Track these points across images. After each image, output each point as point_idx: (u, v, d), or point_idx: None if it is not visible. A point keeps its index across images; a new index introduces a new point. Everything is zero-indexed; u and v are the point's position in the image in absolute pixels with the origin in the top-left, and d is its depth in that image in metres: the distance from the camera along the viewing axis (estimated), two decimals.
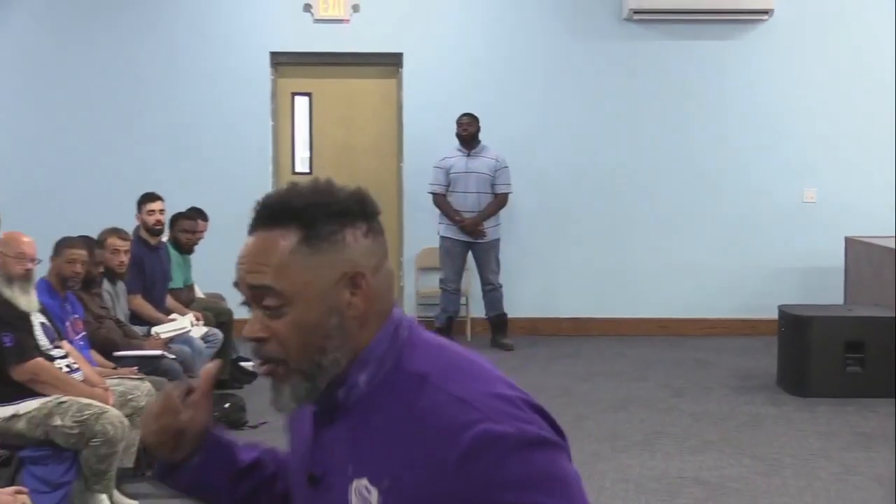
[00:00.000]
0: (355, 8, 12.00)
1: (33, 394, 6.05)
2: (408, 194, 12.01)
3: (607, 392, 9.44)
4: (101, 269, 7.69)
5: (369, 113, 12.50)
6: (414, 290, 12.01)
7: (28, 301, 6.20)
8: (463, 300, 11.70)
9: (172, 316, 8.66)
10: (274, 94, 12.26)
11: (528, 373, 10.21)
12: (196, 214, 9.80)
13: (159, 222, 9.04)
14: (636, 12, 11.86)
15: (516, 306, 11.61)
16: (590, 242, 12.11)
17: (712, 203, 12.14)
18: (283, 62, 12.27)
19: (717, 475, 7.06)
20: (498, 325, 11.45)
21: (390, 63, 12.24)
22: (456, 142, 11.30)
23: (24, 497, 4.43)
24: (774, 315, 9.95)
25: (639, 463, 7.33)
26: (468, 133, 11.27)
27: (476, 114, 11.39)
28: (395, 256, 12.30)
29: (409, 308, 12.00)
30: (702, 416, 8.59)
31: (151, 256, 8.86)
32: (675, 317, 12.05)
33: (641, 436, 8.02)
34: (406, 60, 12.11)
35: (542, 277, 12.09)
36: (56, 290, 6.84)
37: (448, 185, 11.25)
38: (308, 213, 2.07)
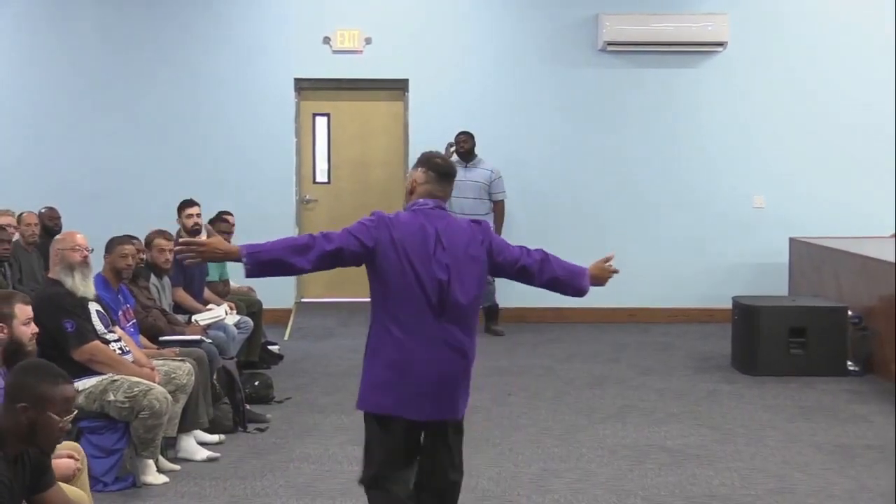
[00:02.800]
0: (368, 41, 12.01)
1: (91, 372, 6.06)
2: None
3: (585, 371, 9.43)
4: (143, 264, 7.66)
5: (380, 131, 12.49)
6: None
7: (86, 288, 6.20)
8: None
9: (210, 306, 8.66)
10: (297, 115, 12.26)
11: (516, 355, 10.21)
12: (225, 215, 9.77)
13: (196, 225, 9.01)
14: (610, 44, 11.87)
15: (507, 298, 11.59)
16: (569, 242, 12.02)
17: (676, 208, 12.14)
18: (305, 87, 12.26)
19: (679, 443, 7.06)
20: (490, 315, 11.44)
21: (398, 87, 12.24)
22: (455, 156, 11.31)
23: (71, 462, 4.41)
24: (729, 305, 9.95)
25: (612, 433, 7.33)
26: (464, 149, 11.27)
27: (472, 130, 11.38)
28: None
29: None
30: (666, 392, 8.59)
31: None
32: (643, 306, 12.04)
33: (614, 409, 8.02)
34: (411, 85, 12.12)
35: None
36: (110, 283, 6.85)
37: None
38: None
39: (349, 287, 12.35)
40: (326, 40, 12.02)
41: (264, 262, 4.31)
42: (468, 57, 12.11)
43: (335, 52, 12.04)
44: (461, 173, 11.03)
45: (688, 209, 12.14)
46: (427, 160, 4.67)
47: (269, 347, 9.83)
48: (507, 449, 6.90)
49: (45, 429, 3.70)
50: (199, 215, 9.04)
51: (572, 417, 7.75)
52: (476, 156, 11.35)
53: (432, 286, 4.37)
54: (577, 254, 11.87)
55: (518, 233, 11.95)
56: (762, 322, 9.27)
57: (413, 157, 11.95)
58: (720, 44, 11.96)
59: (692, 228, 12.14)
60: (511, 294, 11.76)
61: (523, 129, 12.11)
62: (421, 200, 4.56)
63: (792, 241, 11.62)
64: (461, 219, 4.66)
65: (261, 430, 7.34)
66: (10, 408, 3.69)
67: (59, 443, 3.90)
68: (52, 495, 3.92)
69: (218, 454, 6.69)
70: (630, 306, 12.00)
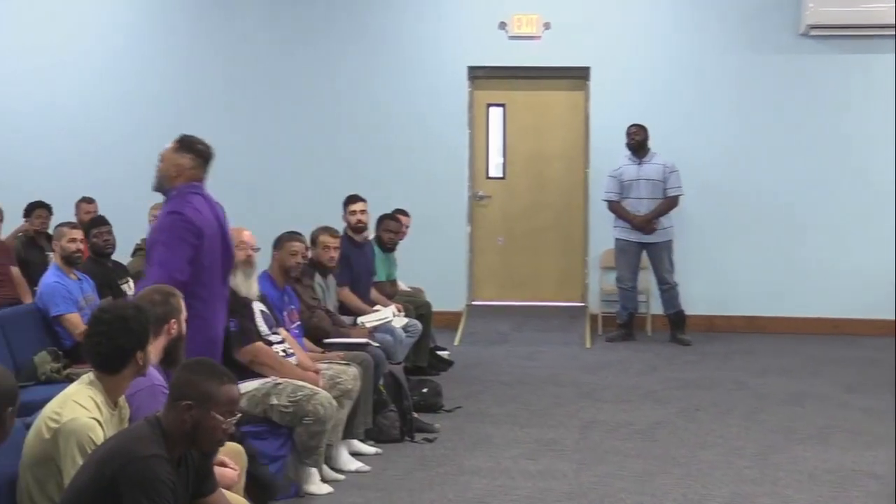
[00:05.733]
0: (546, 26, 11.96)
1: (253, 374, 6.19)
2: (593, 198, 11.89)
3: (781, 387, 9.15)
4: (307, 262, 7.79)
5: (558, 122, 12.43)
6: (598, 287, 11.90)
7: (249, 288, 6.33)
8: (644, 298, 11.55)
9: (376, 307, 8.74)
10: (471, 105, 12.30)
11: (704, 367, 10.01)
12: (400, 214, 9.88)
13: (360, 222, 9.09)
14: (813, 27, 11.49)
15: (694, 304, 11.38)
16: (760, 245, 11.82)
17: (883, 209, 11.66)
18: (479, 76, 12.30)
19: (889, 470, 6.76)
20: (676, 322, 11.25)
21: (578, 76, 12.16)
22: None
23: (232, 472, 4.49)
24: None
25: (812, 455, 7.07)
26: (635, 141, 11.13)
27: (657, 123, 11.23)
28: (580, 256, 12.23)
29: (592, 304, 11.91)
30: (874, 412, 8.24)
31: (357, 253, 8.95)
32: (847, 317, 11.62)
33: (815, 429, 7.74)
34: (593, 74, 12.01)
35: (717, 277, 11.83)
36: (276, 282, 6.99)
37: (621, 193, 11.14)
38: None
39: (524, 290, 12.38)
40: (502, 25, 12.03)
41: None
42: (654, 42, 11.94)
43: (511, 38, 12.04)
44: (632, 171, 10.94)
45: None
46: (191, 145, 5.26)
47: (439, 353, 9.88)
48: (695, 469, 6.74)
49: (207, 429, 3.79)
50: (363, 212, 9.13)
51: (767, 437, 7.53)
52: (649, 150, 11.18)
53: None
54: (768, 259, 11.75)
55: (701, 235, 11.74)
56: None
57: (595, 150, 12.02)
58: None
59: None
60: (698, 301, 11.58)
61: (712, 120, 11.86)
62: (197, 183, 5.23)
63: None
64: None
65: (429, 441, 7.37)
66: (174, 405, 3.80)
67: (221, 445, 3.98)
68: (213, 501, 4.01)
69: (369, 468, 6.73)
70: (833, 316, 11.60)
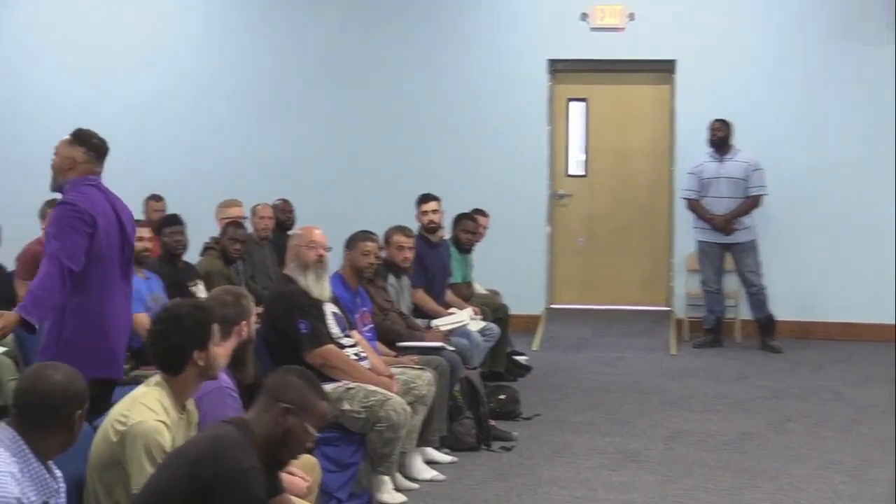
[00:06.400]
0: (631, 17, 11.86)
1: (324, 379, 6.17)
2: (679, 197, 11.76)
3: (881, 398, 8.96)
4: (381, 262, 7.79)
5: (642, 118, 12.33)
6: (683, 290, 11.78)
7: (321, 289, 6.35)
8: (732, 302, 11.41)
9: (451, 310, 8.72)
10: (550, 100, 12.24)
11: (797, 375, 9.86)
12: (477, 213, 9.86)
13: (432, 222, 9.07)
14: None
15: (785, 310, 11.22)
16: (854, 246, 11.59)
17: None
18: (560, 69, 12.23)
19: None
20: (766, 328, 11.09)
21: (663, 69, 12.04)
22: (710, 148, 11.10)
23: (301, 482, 4.50)
24: None
25: None
26: (717, 137, 11.01)
27: (747, 119, 11.09)
28: (665, 258, 12.11)
29: (678, 308, 11.80)
30: None
31: (432, 253, 8.94)
32: None
33: None
34: (679, 67, 11.89)
35: (809, 280, 11.64)
36: (349, 283, 6.99)
37: (700, 191, 11.01)
38: None
39: (605, 292, 12.31)
40: (584, 17, 11.96)
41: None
42: (746, 34, 11.78)
43: (593, 29, 11.96)
44: (713, 168, 10.85)
45: None
46: (85, 139, 5.33)
47: (517, 358, 9.86)
48: (787, 483, 6.64)
49: (297, 438, 3.83)
50: (435, 212, 9.10)
51: (865, 451, 7.39)
52: (732, 146, 11.05)
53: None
54: (863, 262, 11.52)
55: (791, 235, 11.56)
56: None
57: (681, 147, 11.90)
58: None
59: None
60: (790, 305, 11.42)
61: (800, 113, 11.68)
62: (92, 177, 5.34)
63: None
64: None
65: (506, 450, 7.34)
66: (270, 405, 3.82)
67: (298, 456, 4.00)
68: (278, 502, 4.02)
69: (444, 476, 6.72)
70: None
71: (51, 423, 3.48)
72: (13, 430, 3.47)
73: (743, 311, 11.47)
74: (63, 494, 3.60)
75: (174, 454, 3.81)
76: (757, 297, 11.08)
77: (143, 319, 7.07)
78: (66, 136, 5.41)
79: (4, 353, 7.09)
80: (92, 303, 5.30)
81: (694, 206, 11.09)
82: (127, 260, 5.52)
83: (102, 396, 5.01)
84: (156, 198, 10.56)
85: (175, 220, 8.12)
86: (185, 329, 4.22)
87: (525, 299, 11.34)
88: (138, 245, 7.46)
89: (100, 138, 5.43)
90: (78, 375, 3.61)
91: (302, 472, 4.50)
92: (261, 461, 3.73)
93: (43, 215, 7.95)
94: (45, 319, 5.16)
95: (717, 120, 11.07)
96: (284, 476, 4.15)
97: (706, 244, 11.11)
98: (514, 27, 12.12)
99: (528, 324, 11.45)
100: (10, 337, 7.11)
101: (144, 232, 7.65)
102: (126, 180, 11.37)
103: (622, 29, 11.91)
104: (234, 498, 3.59)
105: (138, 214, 9.59)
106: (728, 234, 10.95)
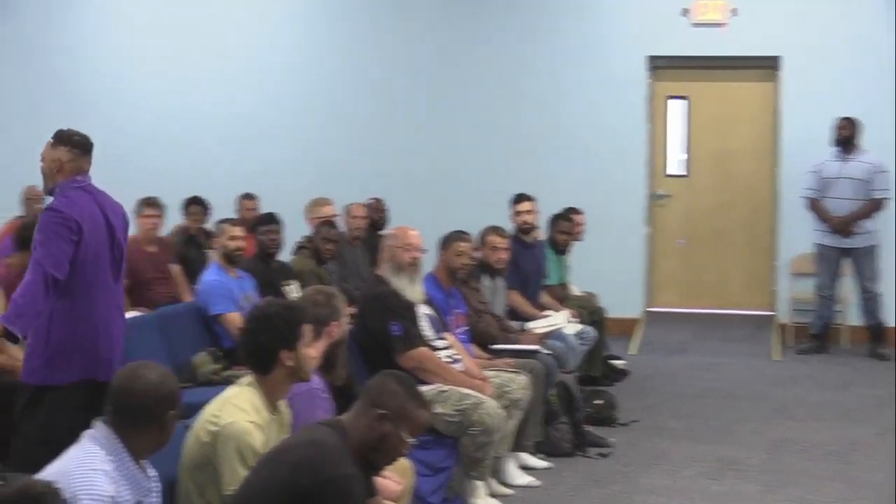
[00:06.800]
0: (734, 12, 11.72)
1: (417, 381, 6.18)
2: (785, 199, 11.59)
3: None
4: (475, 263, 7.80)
5: (746, 116, 12.18)
6: (788, 295, 11.61)
7: (414, 291, 6.38)
8: (840, 307, 11.21)
9: (547, 312, 8.70)
10: (650, 98, 12.15)
11: None
12: (573, 213, 9.82)
13: (526, 223, 9.06)
14: None
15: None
16: None
17: None
18: (659, 66, 12.13)
19: None
20: (876, 334, 10.88)
21: (768, 66, 11.88)
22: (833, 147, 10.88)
23: (396, 486, 4.52)
24: None
25: None
26: (842, 136, 10.80)
27: (857, 116, 10.87)
28: (768, 261, 11.95)
29: (781, 313, 11.63)
30: None
31: (527, 254, 8.93)
32: None
33: None
34: (784, 63, 11.72)
35: None
36: (442, 284, 7.02)
37: (821, 190, 10.83)
38: None
39: (706, 296, 12.20)
40: (685, 12, 11.84)
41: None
42: (855, 28, 11.54)
43: (695, 25, 11.84)
44: (835, 168, 10.68)
45: None
46: (67, 138, 5.39)
47: (613, 362, 9.79)
48: None
49: (392, 445, 3.85)
50: (529, 212, 9.09)
51: None
52: (857, 146, 10.84)
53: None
54: None
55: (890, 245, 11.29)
56: None
57: (787, 146, 11.73)
58: None
59: None
60: None
61: None
62: (80, 178, 5.38)
63: None
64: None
65: (603, 456, 7.31)
66: (367, 410, 3.86)
67: (391, 464, 4.02)
68: None
69: (539, 482, 6.71)
70: None
71: (144, 423, 3.54)
72: (109, 428, 3.54)
73: (851, 317, 11.26)
74: (157, 494, 3.66)
75: (270, 456, 3.86)
76: (870, 303, 10.87)
77: (235, 318, 7.17)
78: (49, 140, 5.48)
79: None
80: (78, 307, 5.34)
81: (814, 205, 10.90)
82: (117, 262, 5.54)
83: (94, 398, 5.05)
84: (249, 196, 10.68)
85: (271, 219, 8.19)
86: (273, 328, 4.26)
87: (622, 302, 11.27)
88: (231, 244, 7.59)
89: (81, 135, 5.49)
90: (171, 376, 3.67)
91: (395, 476, 4.52)
92: (355, 465, 3.76)
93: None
94: (28, 328, 5.20)
95: (843, 118, 10.86)
96: (377, 479, 4.17)
97: (825, 248, 10.91)
98: (614, 23, 12.07)
99: (626, 327, 11.38)
100: None
101: (237, 230, 7.73)
102: (221, 180, 11.75)
103: (724, 24, 11.77)
104: (335, 501, 3.62)
105: (230, 213, 9.75)
106: (846, 237, 10.76)
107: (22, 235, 7.37)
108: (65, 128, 5.52)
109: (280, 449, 3.88)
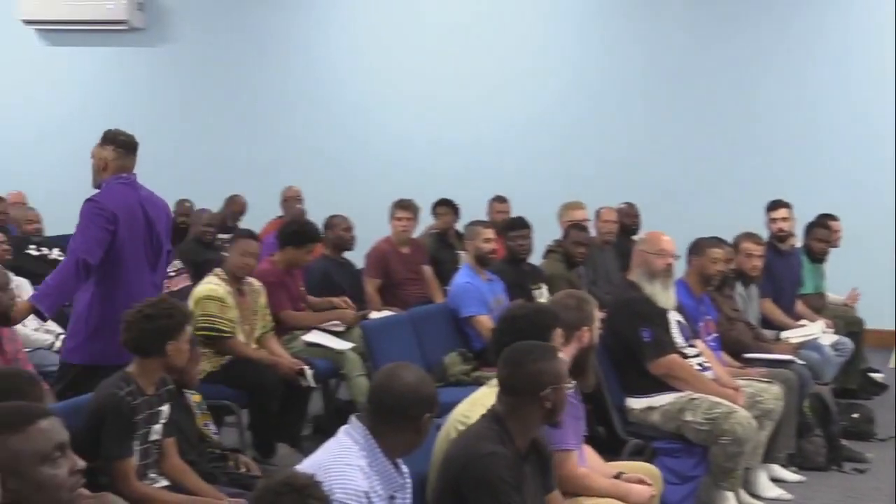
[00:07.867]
0: None
1: (667, 388, 6.15)
2: None
3: None
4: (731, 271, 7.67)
5: None
6: None
7: (666, 298, 6.32)
8: None
9: (801, 322, 8.47)
10: None
11: None
12: (829, 220, 9.52)
13: (781, 230, 8.81)
14: None
15: None
16: None
17: None
18: None
19: None
20: None
21: None
22: None
23: (646, 489, 4.49)
24: None
25: None
26: None
27: None
28: None
29: None
30: None
31: (781, 262, 8.72)
32: None
33: None
34: None
35: None
36: (693, 290, 6.93)
37: None
38: None
39: None
40: None
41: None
42: None
43: None
44: None
45: None
46: (112, 138, 5.72)
47: (872, 375, 9.45)
48: None
49: (561, 400, 3.95)
50: (784, 219, 8.81)
51: None
52: None
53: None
54: None
55: None
56: None
57: None
58: None
59: None
60: None
61: None
62: (124, 175, 5.74)
63: None
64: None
65: (859, 472, 7.07)
66: (533, 399, 3.93)
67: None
68: (549, 500, 4.09)
69: (791, 496, 6.54)
70: None
71: (400, 423, 3.62)
72: (365, 426, 3.63)
73: None
74: (409, 490, 3.75)
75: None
76: None
77: (485, 321, 7.27)
78: (98, 140, 5.84)
79: (352, 350, 7.45)
80: (116, 293, 5.62)
81: None
82: (155, 252, 5.86)
83: None
84: (500, 199, 10.77)
85: (522, 224, 8.24)
86: (519, 331, 4.29)
87: (881, 312, 10.85)
88: (485, 246, 7.69)
89: (126, 134, 5.83)
90: (428, 379, 3.75)
91: (649, 479, 4.51)
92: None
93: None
94: (54, 308, 5.59)
95: None
96: (632, 487, 4.17)
97: None
98: (863, 22, 11.71)
99: (885, 339, 10.91)
100: (357, 333, 7.51)
101: (488, 233, 7.83)
102: (470, 181, 11.92)
103: None
104: (479, 486, 3.72)
105: (481, 215, 9.87)
106: None
107: (284, 233, 7.70)
108: (111, 128, 5.90)
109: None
